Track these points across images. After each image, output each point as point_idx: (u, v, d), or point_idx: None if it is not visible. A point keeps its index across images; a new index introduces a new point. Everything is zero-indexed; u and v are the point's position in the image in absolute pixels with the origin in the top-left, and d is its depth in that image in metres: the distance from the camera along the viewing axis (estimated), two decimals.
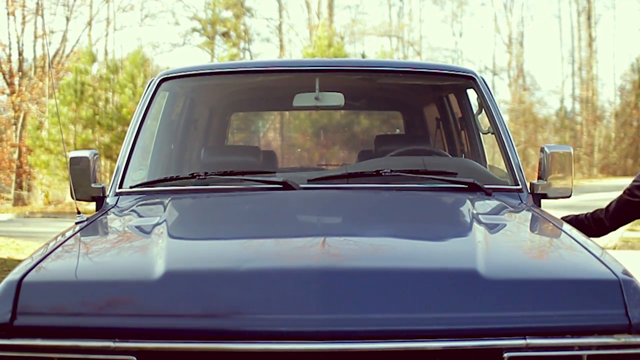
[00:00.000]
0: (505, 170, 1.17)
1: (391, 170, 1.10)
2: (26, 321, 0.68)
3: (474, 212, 0.93)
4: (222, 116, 1.90)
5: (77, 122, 8.21)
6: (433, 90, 1.59)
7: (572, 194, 1.10)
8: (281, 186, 1.08)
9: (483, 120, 1.34)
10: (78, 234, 0.90)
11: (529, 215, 1.00)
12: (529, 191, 1.11)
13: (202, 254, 0.81)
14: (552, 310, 0.67)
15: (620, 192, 1.30)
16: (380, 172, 1.10)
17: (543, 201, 1.12)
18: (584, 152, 13.72)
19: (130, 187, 1.15)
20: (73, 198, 1.12)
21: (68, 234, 0.89)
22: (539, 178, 1.11)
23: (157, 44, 17.94)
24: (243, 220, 0.96)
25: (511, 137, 1.20)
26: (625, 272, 0.72)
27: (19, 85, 12.27)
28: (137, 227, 0.94)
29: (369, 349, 0.65)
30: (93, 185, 1.12)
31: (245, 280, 0.69)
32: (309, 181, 1.11)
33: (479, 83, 1.28)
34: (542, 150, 1.11)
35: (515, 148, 1.18)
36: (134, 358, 0.66)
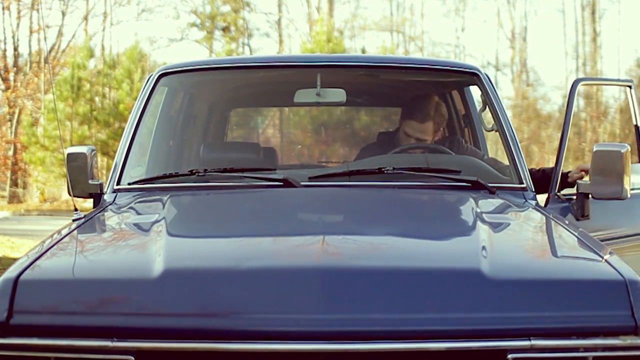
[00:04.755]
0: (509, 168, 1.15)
1: (393, 168, 1.09)
2: (23, 320, 0.67)
3: (478, 210, 0.92)
4: (221, 112, 1.87)
5: (73, 118, 8.14)
6: (436, 86, 1.57)
7: (628, 194, 1.01)
8: (282, 184, 1.07)
9: (486, 117, 1.33)
10: (75, 231, 0.89)
11: (533, 214, 0.99)
12: (577, 190, 1.06)
13: (202, 252, 0.80)
14: (557, 311, 0.66)
15: None
16: (383, 169, 1.09)
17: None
18: (588, 148, 13.65)
19: (129, 184, 1.13)
20: (70, 195, 1.10)
21: (65, 232, 0.88)
22: (589, 177, 1.07)
23: (154, 39, 17.85)
24: (243, 218, 0.95)
25: (515, 134, 1.18)
26: (631, 272, 0.71)
27: (14, 81, 12.16)
28: (136, 224, 0.93)
29: (371, 350, 0.64)
30: (90, 182, 1.10)
31: (245, 279, 0.69)
32: (310, 179, 1.10)
33: (482, 80, 1.26)
34: (593, 148, 1.06)
35: (520, 146, 1.17)
36: (132, 358, 0.65)
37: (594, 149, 1.06)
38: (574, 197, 1.09)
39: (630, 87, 1.24)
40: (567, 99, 1.16)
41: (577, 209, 1.07)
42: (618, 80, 1.28)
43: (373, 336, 0.64)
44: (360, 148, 1.54)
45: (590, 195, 1.05)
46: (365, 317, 0.65)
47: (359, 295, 0.66)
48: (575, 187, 1.09)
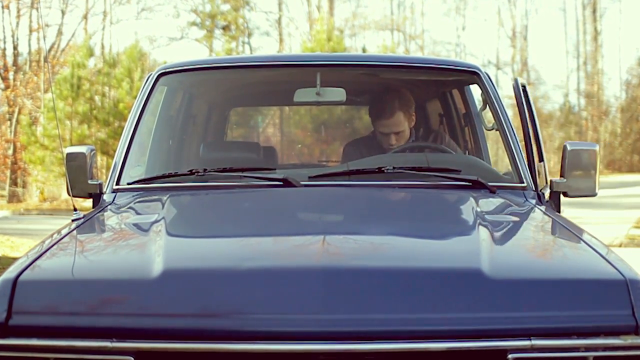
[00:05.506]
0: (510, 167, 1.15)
1: (394, 168, 1.09)
2: (22, 320, 0.67)
3: (478, 210, 0.92)
4: (221, 111, 1.87)
5: (73, 117, 8.12)
6: (436, 85, 1.57)
7: (597, 191, 1.07)
8: (282, 183, 1.06)
9: (487, 115, 1.33)
10: (74, 231, 0.89)
11: (534, 213, 0.99)
12: (551, 189, 1.09)
13: (201, 252, 0.80)
14: (558, 311, 0.66)
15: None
16: (383, 169, 1.09)
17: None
18: None
19: (128, 184, 1.13)
20: (69, 195, 1.10)
21: (64, 232, 0.88)
22: (560, 176, 1.09)
23: (154, 37, 17.81)
24: (243, 218, 0.95)
25: (516, 133, 1.18)
26: (632, 272, 0.71)
27: (14, 80, 12.13)
28: (135, 224, 0.93)
29: (371, 350, 0.64)
30: (90, 181, 1.10)
31: (245, 279, 0.69)
32: (310, 178, 1.09)
33: (483, 78, 1.26)
34: (564, 147, 1.08)
35: (520, 145, 1.17)
36: (132, 358, 0.65)
37: (568, 148, 1.08)
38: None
39: (515, 79, 1.28)
40: (515, 100, 1.19)
41: (553, 207, 1.09)
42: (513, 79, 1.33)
43: (373, 336, 0.64)
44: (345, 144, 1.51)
45: (563, 193, 1.08)
46: (366, 317, 0.65)
47: (359, 295, 0.66)
48: (549, 185, 1.10)
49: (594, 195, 1.08)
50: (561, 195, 1.08)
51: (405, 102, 1.34)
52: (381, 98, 1.35)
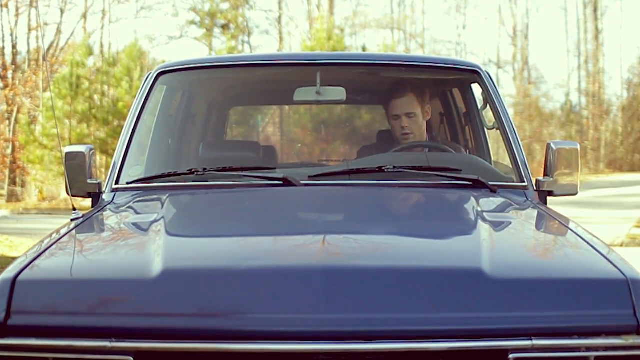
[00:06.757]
0: (510, 166, 1.15)
1: (394, 167, 1.08)
2: (20, 320, 0.67)
3: (479, 209, 0.92)
4: (221, 111, 1.86)
5: (72, 116, 8.11)
6: (437, 84, 1.57)
7: (579, 190, 1.10)
8: (281, 182, 1.06)
9: (487, 115, 1.33)
10: (73, 231, 0.89)
11: (535, 212, 0.99)
12: (535, 188, 1.10)
13: (201, 252, 0.80)
14: (559, 311, 0.66)
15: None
16: (383, 168, 1.09)
17: (549, 197, 1.12)
18: (590, 147, 13.41)
19: (127, 183, 1.13)
20: (68, 194, 1.09)
21: (63, 231, 0.88)
22: (545, 175, 1.10)
23: (153, 36, 17.79)
24: (243, 218, 0.95)
25: (517, 132, 1.18)
26: (634, 271, 0.71)
27: (13, 78, 12.12)
28: (134, 224, 0.93)
29: (372, 350, 0.64)
30: (89, 181, 1.09)
31: (245, 279, 0.68)
32: (310, 177, 1.09)
33: (483, 77, 1.26)
34: (548, 146, 1.09)
35: (521, 144, 1.17)
36: (131, 358, 0.65)
37: (554, 147, 1.08)
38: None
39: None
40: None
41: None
42: None
43: (373, 336, 0.64)
44: (360, 147, 1.54)
45: (549, 193, 1.09)
46: (366, 317, 0.65)
47: (360, 295, 0.66)
48: (536, 184, 1.10)
49: (576, 194, 1.09)
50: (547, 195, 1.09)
51: (419, 87, 1.34)
52: (394, 85, 1.35)
